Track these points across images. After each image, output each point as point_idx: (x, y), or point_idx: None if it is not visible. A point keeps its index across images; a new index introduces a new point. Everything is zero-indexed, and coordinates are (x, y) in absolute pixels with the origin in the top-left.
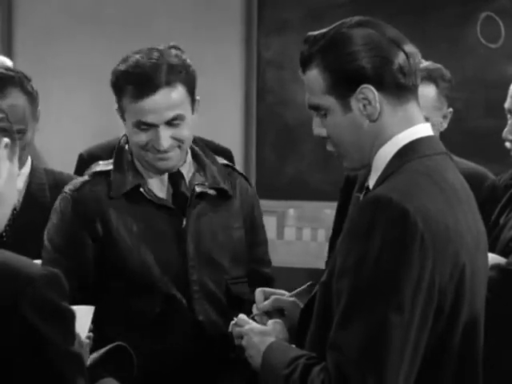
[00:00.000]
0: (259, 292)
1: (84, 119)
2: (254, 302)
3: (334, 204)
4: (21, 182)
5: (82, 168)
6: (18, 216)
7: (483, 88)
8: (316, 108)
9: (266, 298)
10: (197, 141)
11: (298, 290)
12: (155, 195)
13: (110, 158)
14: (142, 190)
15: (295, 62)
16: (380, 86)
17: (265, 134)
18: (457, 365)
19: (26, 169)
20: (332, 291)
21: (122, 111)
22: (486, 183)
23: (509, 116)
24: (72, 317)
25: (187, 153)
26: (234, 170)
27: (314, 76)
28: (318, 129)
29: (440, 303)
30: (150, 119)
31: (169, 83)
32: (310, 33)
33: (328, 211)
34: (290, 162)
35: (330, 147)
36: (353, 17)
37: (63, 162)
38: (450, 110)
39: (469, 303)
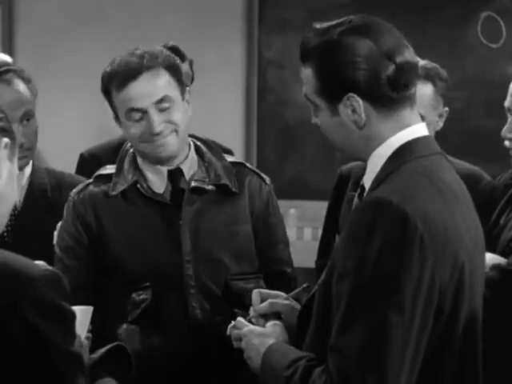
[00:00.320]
0: (255, 294)
1: (84, 119)
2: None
3: None
4: (23, 181)
5: (83, 168)
6: (19, 216)
7: (484, 88)
8: (310, 101)
9: (262, 300)
10: (203, 139)
11: (294, 291)
12: (152, 191)
13: (111, 157)
14: (139, 185)
15: (296, 62)
16: (367, 97)
17: (265, 133)
18: (457, 364)
19: (28, 169)
20: (331, 292)
21: (115, 113)
22: (482, 184)
23: (508, 115)
24: (72, 317)
25: (190, 147)
26: (246, 167)
27: (308, 74)
28: (314, 118)
29: (440, 303)
30: (137, 104)
31: (150, 67)
32: (315, 25)
33: None
34: (290, 161)
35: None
36: (356, 15)
37: (63, 161)
38: (446, 109)
39: (468, 302)
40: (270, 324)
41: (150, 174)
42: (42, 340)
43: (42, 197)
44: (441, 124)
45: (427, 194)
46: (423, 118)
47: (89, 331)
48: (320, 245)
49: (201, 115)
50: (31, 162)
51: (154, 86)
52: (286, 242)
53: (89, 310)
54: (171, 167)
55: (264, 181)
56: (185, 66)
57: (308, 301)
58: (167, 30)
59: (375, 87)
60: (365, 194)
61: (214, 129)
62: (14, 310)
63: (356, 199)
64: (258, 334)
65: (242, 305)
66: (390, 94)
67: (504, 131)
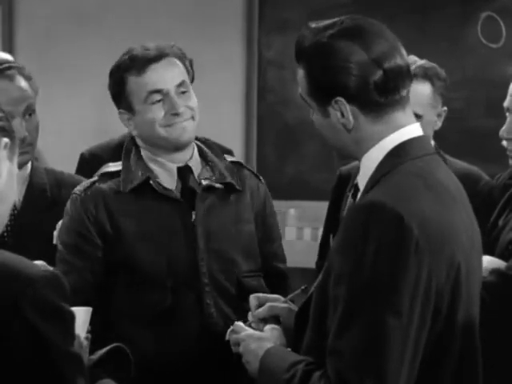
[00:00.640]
0: (253, 298)
1: (84, 119)
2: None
3: None
4: (22, 180)
5: (83, 167)
6: (18, 216)
7: (484, 88)
8: (304, 101)
9: (261, 304)
10: (203, 139)
11: (293, 294)
12: (164, 188)
13: (111, 157)
14: (151, 182)
15: (296, 63)
16: (355, 102)
17: (265, 133)
18: (456, 364)
19: (27, 169)
20: (328, 295)
21: (127, 104)
22: (481, 184)
23: (507, 114)
24: (72, 318)
25: (193, 147)
26: (243, 166)
27: (301, 76)
28: (311, 115)
29: (437, 304)
30: (160, 85)
31: (167, 55)
32: (310, 24)
33: None
34: (290, 161)
35: None
36: (349, 16)
37: (63, 161)
38: (445, 108)
39: (465, 302)
40: (268, 328)
41: (159, 171)
42: (42, 341)
43: (42, 196)
44: (439, 124)
45: (422, 195)
46: (422, 118)
47: (88, 332)
48: (320, 245)
49: (201, 115)
50: (30, 161)
51: (173, 70)
52: (281, 237)
53: (88, 310)
54: (180, 164)
55: (260, 179)
56: None
57: (305, 303)
58: (167, 30)
59: (362, 92)
60: (359, 194)
61: (214, 129)
62: (14, 311)
63: (350, 199)
64: (255, 338)
65: None
66: (377, 100)
67: (502, 131)
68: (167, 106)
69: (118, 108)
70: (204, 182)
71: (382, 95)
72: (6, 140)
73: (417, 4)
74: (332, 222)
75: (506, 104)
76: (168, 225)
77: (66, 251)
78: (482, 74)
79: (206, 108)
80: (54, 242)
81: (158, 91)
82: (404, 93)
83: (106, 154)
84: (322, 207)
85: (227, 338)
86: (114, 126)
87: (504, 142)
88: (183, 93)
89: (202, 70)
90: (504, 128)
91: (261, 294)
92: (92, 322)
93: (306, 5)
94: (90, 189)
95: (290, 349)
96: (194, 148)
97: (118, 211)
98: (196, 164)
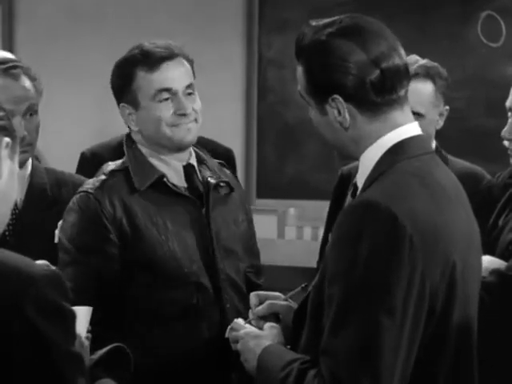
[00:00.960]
0: (253, 296)
1: (84, 119)
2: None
3: None
4: (23, 180)
5: (84, 167)
6: (20, 215)
7: (484, 87)
8: (303, 98)
9: (261, 302)
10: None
11: (293, 292)
12: (177, 186)
13: (112, 156)
14: (165, 180)
15: (296, 62)
16: (352, 101)
17: (265, 133)
18: (452, 364)
19: (27, 168)
20: (324, 294)
21: (132, 97)
22: (483, 184)
23: (509, 114)
24: (73, 317)
25: (191, 147)
26: (224, 166)
27: (300, 73)
28: (310, 113)
29: (432, 303)
30: (171, 84)
31: (178, 55)
32: (310, 22)
33: None
34: (290, 161)
35: None
36: (348, 15)
37: (63, 161)
38: (447, 107)
39: (461, 302)
40: (267, 326)
41: (165, 169)
42: (43, 340)
43: (42, 196)
44: (441, 123)
45: (417, 195)
46: (424, 117)
47: (88, 331)
48: (321, 245)
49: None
50: (30, 161)
51: (185, 71)
52: (255, 233)
53: (88, 310)
54: (184, 162)
55: (237, 179)
56: None
57: (303, 301)
58: (167, 30)
59: (359, 92)
60: (357, 193)
61: (215, 128)
62: (16, 310)
63: (349, 197)
64: (254, 336)
65: None
66: (374, 99)
67: (504, 132)
68: (175, 105)
69: (120, 102)
70: (211, 180)
71: (378, 95)
72: (7, 140)
73: (417, 3)
74: (333, 222)
75: (508, 104)
76: (184, 222)
77: (76, 250)
78: (482, 73)
79: (206, 108)
80: (56, 240)
81: (168, 90)
82: (402, 92)
83: (107, 152)
84: (322, 207)
85: (227, 335)
86: (114, 126)
87: (506, 142)
88: (190, 94)
89: (202, 69)
90: (506, 129)
91: (261, 292)
92: (92, 322)
93: (305, 4)
94: (104, 186)
95: (289, 346)
96: (191, 147)
97: (136, 208)
98: (195, 163)
